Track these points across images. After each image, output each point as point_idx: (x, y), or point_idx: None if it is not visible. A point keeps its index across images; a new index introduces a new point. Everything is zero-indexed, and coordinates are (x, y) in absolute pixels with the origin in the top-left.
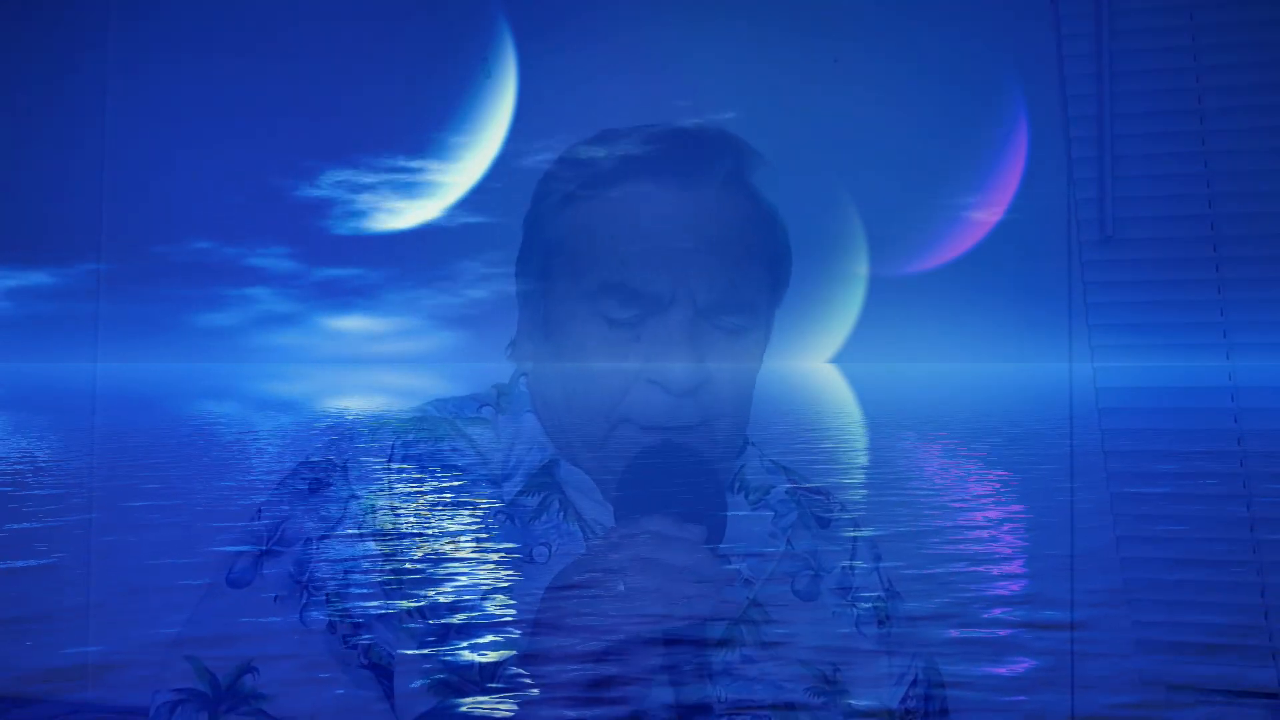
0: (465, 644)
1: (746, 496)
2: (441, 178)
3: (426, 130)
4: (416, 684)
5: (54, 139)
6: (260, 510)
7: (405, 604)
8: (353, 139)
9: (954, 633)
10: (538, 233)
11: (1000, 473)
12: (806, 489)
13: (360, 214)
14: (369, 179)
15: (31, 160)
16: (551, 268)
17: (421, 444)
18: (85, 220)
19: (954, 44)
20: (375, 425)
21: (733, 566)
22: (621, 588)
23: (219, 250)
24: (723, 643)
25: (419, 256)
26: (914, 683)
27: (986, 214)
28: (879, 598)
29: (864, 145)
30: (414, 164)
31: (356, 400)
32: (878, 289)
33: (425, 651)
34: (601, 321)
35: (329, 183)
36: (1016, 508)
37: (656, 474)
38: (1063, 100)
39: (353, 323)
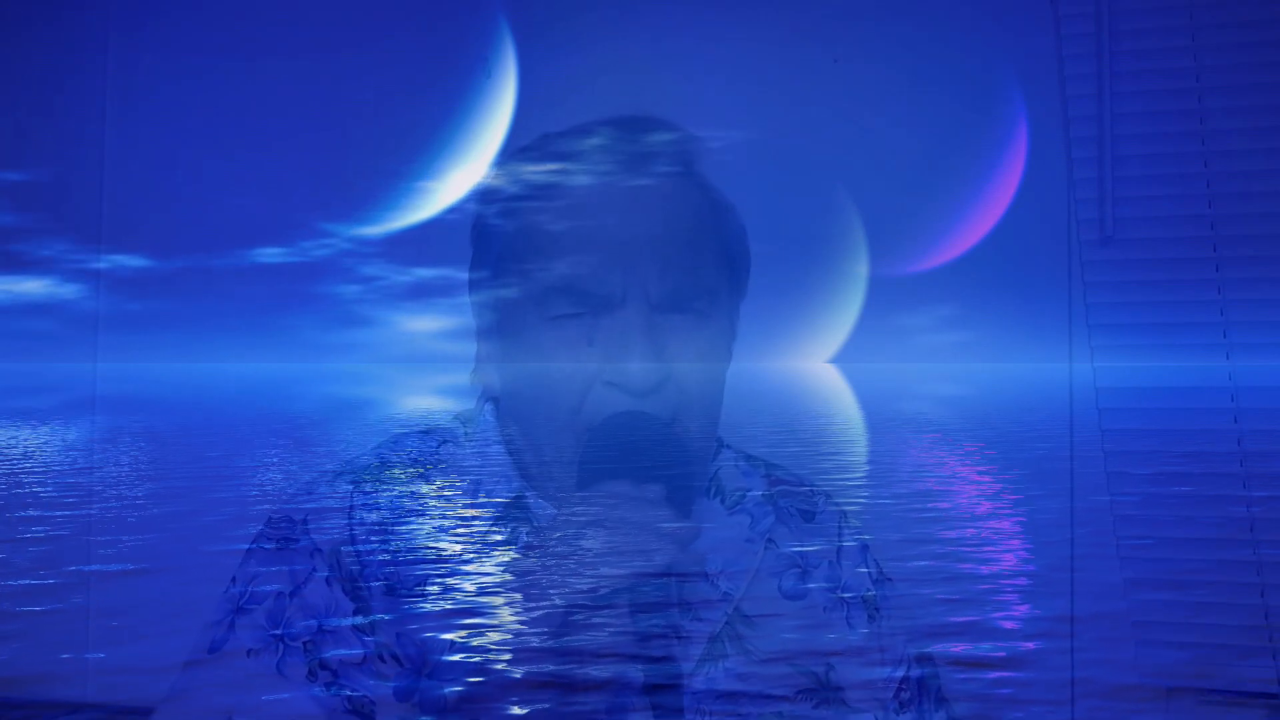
0: (440, 682)
1: (723, 501)
2: (440, 179)
3: (426, 130)
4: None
5: (55, 139)
6: (234, 577)
7: (380, 648)
8: (352, 139)
9: (953, 632)
10: (486, 243)
11: (1000, 473)
12: (786, 484)
13: (359, 216)
14: (366, 180)
15: (34, 152)
16: (502, 276)
17: (382, 492)
18: (85, 220)
19: (954, 44)
20: (333, 476)
21: (712, 585)
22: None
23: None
24: (705, 659)
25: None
26: (908, 674)
27: (986, 214)
28: (869, 590)
29: (864, 145)
30: (411, 165)
31: (432, 401)
32: (878, 289)
33: (404, 685)
34: (554, 325)
35: (326, 185)
36: (1016, 508)
37: (616, 447)
38: (1063, 100)
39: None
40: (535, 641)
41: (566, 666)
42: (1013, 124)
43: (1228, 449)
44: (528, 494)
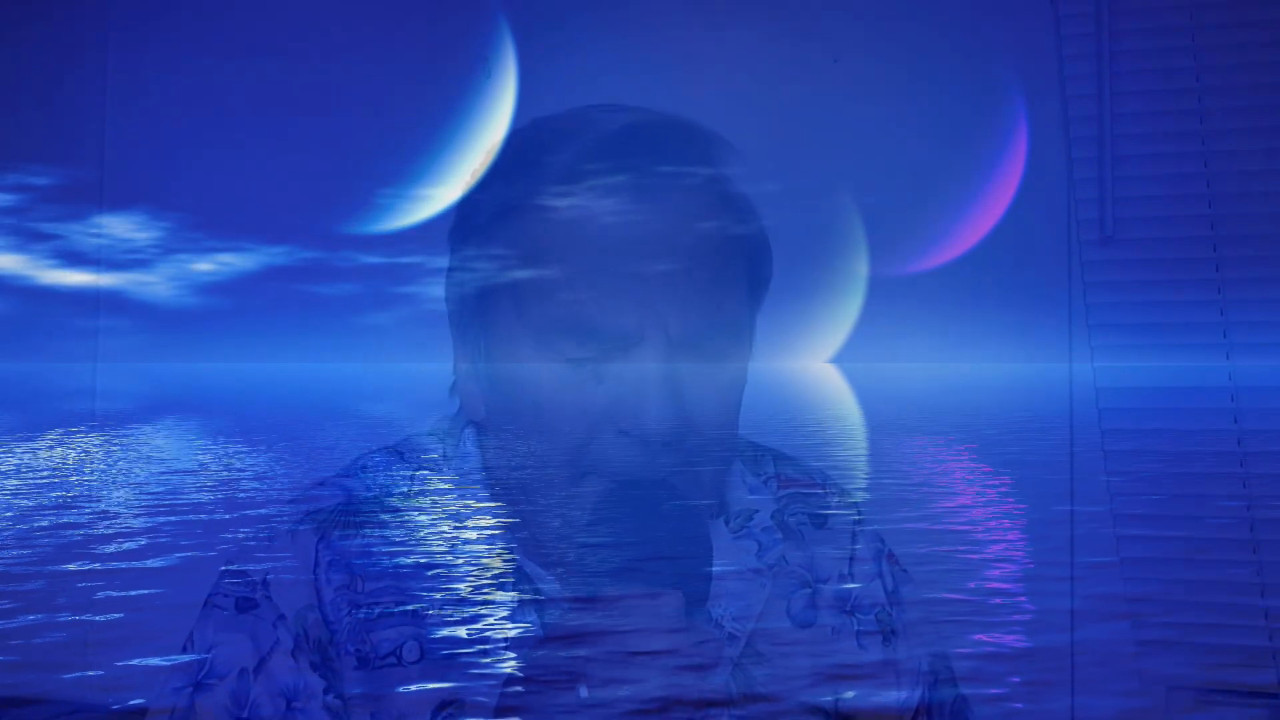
0: None
1: (728, 523)
2: (438, 180)
3: (426, 130)
4: None
5: (54, 124)
6: (191, 637)
7: None
8: (351, 140)
9: (950, 633)
10: (469, 252)
11: (1000, 473)
12: (797, 482)
13: (362, 213)
14: (365, 179)
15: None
16: (489, 296)
17: (349, 539)
18: (84, 219)
19: (954, 44)
20: (294, 523)
21: (718, 626)
22: (584, 694)
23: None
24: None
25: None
26: (926, 699)
27: (986, 214)
28: (884, 605)
29: (864, 145)
30: (410, 165)
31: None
32: (878, 289)
33: None
34: (555, 363)
35: (325, 185)
36: (1016, 508)
37: (624, 525)
38: (1063, 100)
39: None
40: (531, 699)
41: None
42: (1013, 124)
43: (1228, 449)
44: (518, 553)
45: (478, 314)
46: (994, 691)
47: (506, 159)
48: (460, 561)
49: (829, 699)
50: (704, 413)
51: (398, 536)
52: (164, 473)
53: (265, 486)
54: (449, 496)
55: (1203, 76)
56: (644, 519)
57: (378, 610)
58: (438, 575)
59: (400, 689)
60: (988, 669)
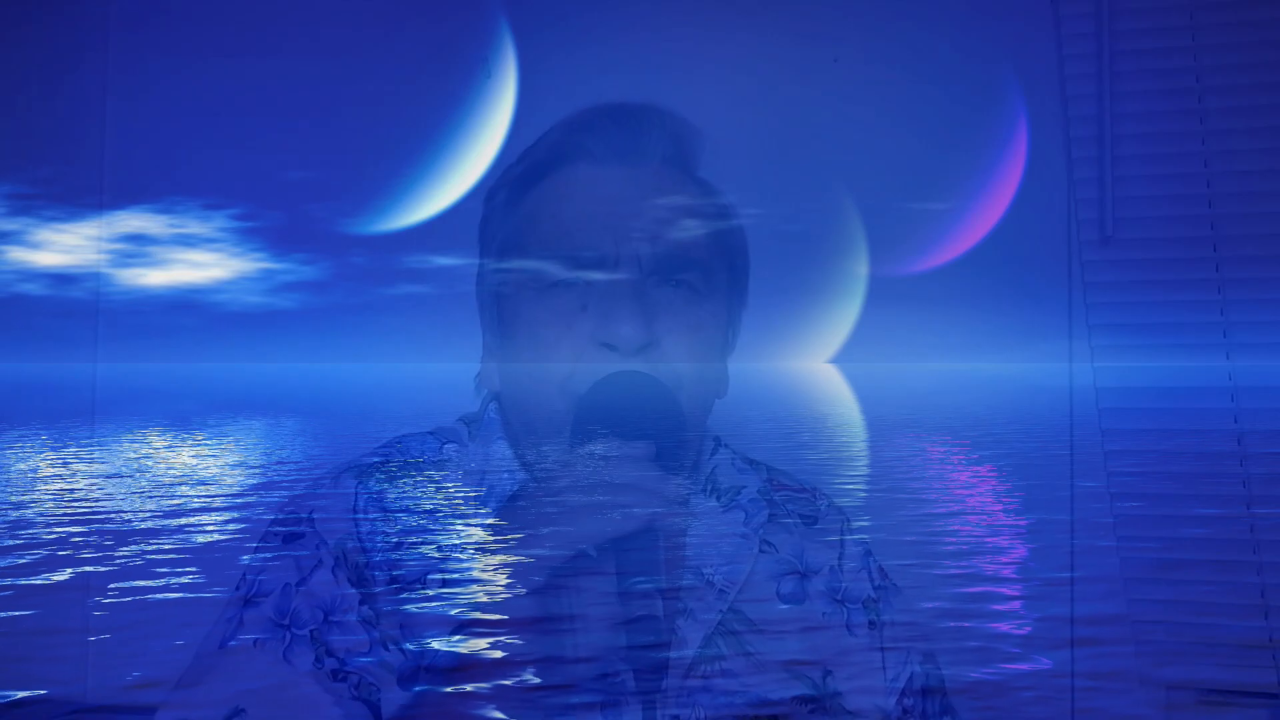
0: (443, 670)
1: (718, 499)
2: (439, 179)
3: (426, 130)
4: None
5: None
6: (244, 572)
7: (384, 637)
8: (352, 140)
9: (951, 633)
10: (490, 238)
11: (999, 473)
12: (788, 487)
13: (362, 213)
14: (365, 179)
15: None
16: (504, 266)
17: (386, 490)
18: (84, 219)
19: (954, 44)
20: (337, 473)
21: (708, 583)
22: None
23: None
24: (701, 659)
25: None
26: (910, 683)
27: (986, 214)
28: (870, 597)
29: (864, 145)
30: (410, 165)
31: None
32: (878, 289)
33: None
34: (549, 294)
35: (326, 185)
36: (1015, 508)
37: (606, 409)
38: (1063, 100)
39: None
40: (536, 628)
41: (560, 650)
42: (1013, 124)
43: (1228, 449)
44: (530, 485)
45: (493, 279)
46: (992, 693)
47: (515, 159)
48: (477, 505)
49: (817, 675)
50: (677, 344)
51: (425, 487)
52: (99, 477)
53: (204, 494)
54: (474, 461)
55: (1203, 76)
56: (622, 408)
57: (407, 543)
58: (458, 514)
59: (426, 609)
60: (985, 670)
